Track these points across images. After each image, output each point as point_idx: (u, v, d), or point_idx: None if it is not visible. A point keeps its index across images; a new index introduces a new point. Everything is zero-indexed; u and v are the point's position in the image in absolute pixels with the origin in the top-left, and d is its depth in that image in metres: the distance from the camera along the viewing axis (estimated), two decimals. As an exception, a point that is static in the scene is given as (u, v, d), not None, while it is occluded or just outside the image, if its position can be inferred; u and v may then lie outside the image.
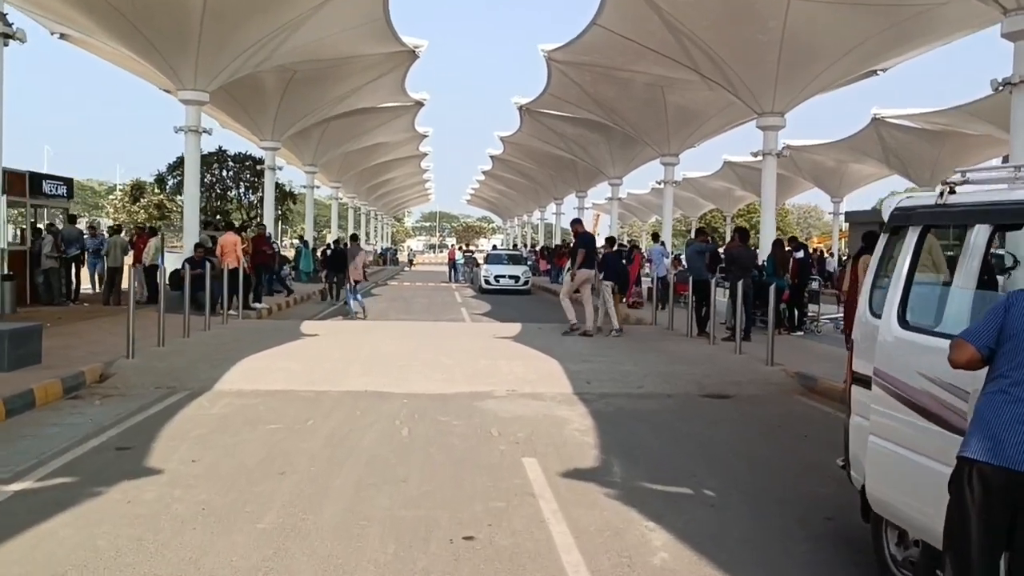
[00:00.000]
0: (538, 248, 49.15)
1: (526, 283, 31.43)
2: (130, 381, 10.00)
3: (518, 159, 47.04)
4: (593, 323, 15.56)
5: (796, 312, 16.68)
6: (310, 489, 5.93)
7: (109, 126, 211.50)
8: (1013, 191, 3.79)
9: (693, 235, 27.64)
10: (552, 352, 12.76)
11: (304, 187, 36.15)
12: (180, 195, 26.35)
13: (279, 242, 64.90)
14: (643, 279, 23.51)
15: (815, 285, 17.89)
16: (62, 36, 21.48)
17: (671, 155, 27.63)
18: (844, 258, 39.45)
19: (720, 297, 15.78)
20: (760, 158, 20.58)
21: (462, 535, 5.02)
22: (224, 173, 31.39)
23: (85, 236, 21.50)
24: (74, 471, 6.29)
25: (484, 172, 61.60)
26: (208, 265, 15.74)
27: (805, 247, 18.88)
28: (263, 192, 28.73)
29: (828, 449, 7.55)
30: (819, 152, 37.65)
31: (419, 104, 32.17)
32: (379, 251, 65.46)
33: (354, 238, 23.07)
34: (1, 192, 14.35)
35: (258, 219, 29.31)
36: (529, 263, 36.93)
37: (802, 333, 16.36)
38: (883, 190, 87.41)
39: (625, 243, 40.62)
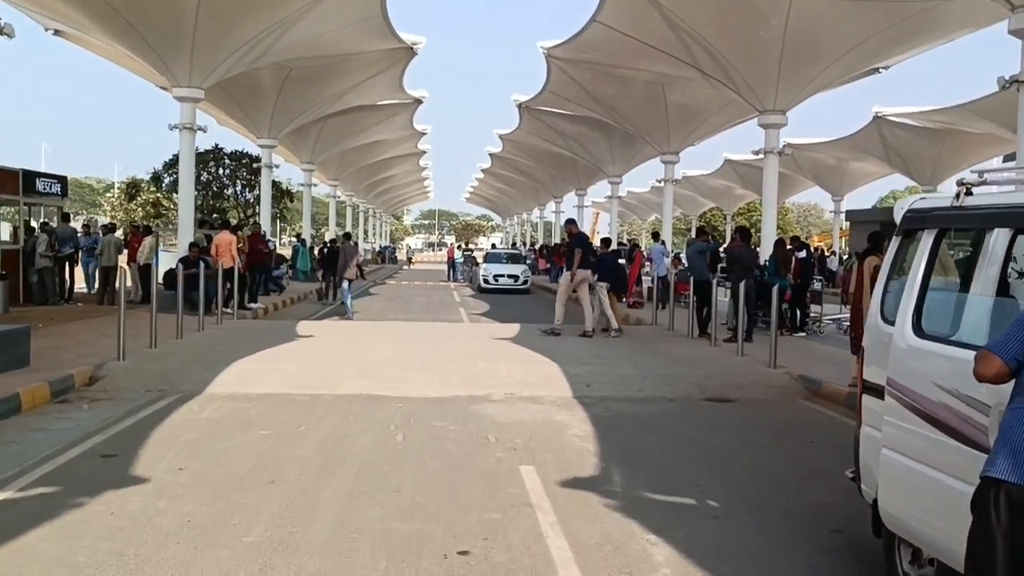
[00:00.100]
0: (537, 247, 48.95)
1: (525, 282, 31.24)
2: (120, 384, 9.81)
3: (517, 157, 46.84)
4: (593, 324, 15.37)
5: (798, 313, 16.48)
6: (300, 499, 5.73)
7: (108, 124, 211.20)
8: (1035, 192, 3.60)
9: (694, 234, 27.46)
10: (551, 354, 12.56)
11: (302, 185, 35.95)
12: (176, 193, 26.16)
13: (277, 240, 64.88)
14: (643, 278, 23.30)
15: (817, 285, 17.70)
16: (56, 32, 21.27)
17: (671, 153, 27.44)
18: (845, 257, 39.33)
19: (721, 297, 15.59)
20: (761, 156, 20.38)
21: (456, 550, 4.83)
22: (220, 171, 31.16)
23: (79, 235, 21.30)
24: (56, 480, 6.10)
25: (483, 170, 61.40)
26: (202, 264, 15.52)
27: (807, 246, 18.70)
28: (260, 190, 28.50)
29: (833, 455, 7.38)
30: (820, 150, 37.47)
31: (417, 101, 31.96)
32: (377, 249, 65.25)
33: (347, 236, 22.91)
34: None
35: (255, 217, 29.09)
36: (528, 262, 36.74)
37: (804, 334, 16.18)
38: (884, 189, 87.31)
39: (625, 242, 40.50)
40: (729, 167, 46.49)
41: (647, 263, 24.50)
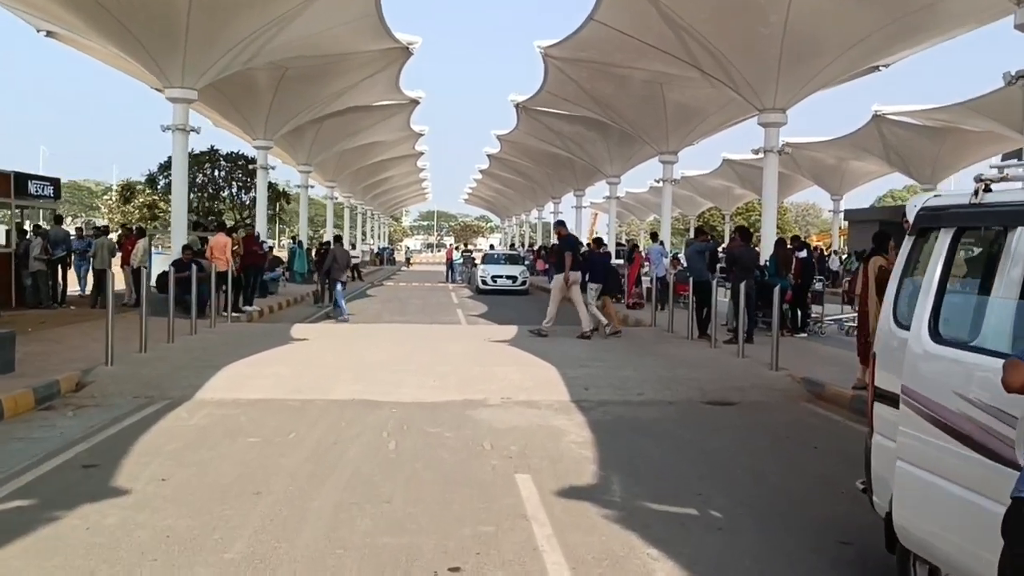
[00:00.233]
0: (536, 247, 48.72)
1: (523, 283, 31.04)
2: (107, 390, 9.57)
3: (515, 158, 46.61)
4: (592, 324, 15.17)
5: (799, 313, 16.26)
6: (286, 512, 5.50)
7: (107, 126, 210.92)
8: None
9: (692, 234, 27.24)
10: (549, 357, 12.33)
11: (299, 187, 35.71)
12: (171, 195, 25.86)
13: (276, 242, 64.66)
14: (642, 279, 23.07)
15: (819, 285, 17.47)
16: (49, 34, 21.02)
17: (670, 153, 27.20)
18: (845, 257, 39.13)
19: (721, 298, 15.38)
20: (761, 155, 20.15)
21: (447, 566, 4.60)
22: (216, 173, 30.91)
23: (72, 237, 21.09)
24: (34, 492, 5.87)
25: (481, 171, 61.16)
26: (194, 267, 15.29)
27: (808, 246, 18.47)
28: (256, 192, 28.27)
29: (838, 461, 7.16)
30: (819, 150, 37.26)
31: (414, 102, 31.72)
32: (375, 251, 64.99)
33: (337, 239, 22.72)
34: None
35: (251, 219, 28.86)
36: (526, 263, 36.53)
37: (806, 335, 15.96)
38: (883, 188, 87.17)
39: (624, 242, 40.25)
40: (728, 167, 46.28)
41: (646, 264, 24.26)
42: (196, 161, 30.13)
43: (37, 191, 20.04)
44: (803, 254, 16.78)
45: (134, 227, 24.19)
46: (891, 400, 4.01)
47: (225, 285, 16.86)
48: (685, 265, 18.85)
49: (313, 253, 30.63)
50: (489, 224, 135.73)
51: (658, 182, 29.79)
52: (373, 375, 10.85)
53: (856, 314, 16.85)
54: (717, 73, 19.12)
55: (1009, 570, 2.75)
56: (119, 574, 4.42)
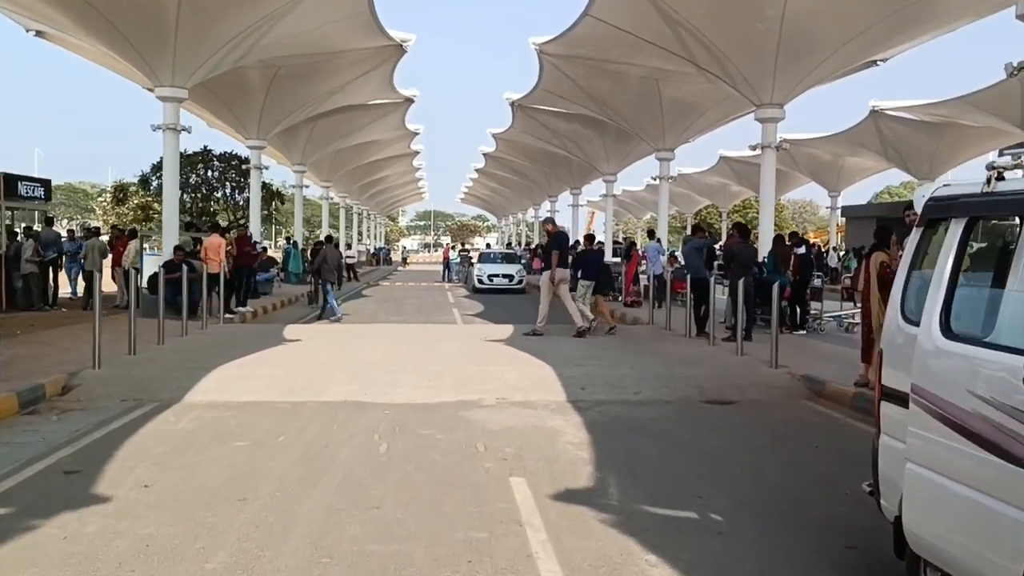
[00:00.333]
0: (532, 246, 48.52)
1: (520, 282, 30.87)
2: (94, 393, 9.38)
3: (511, 156, 46.38)
4: (585, 322, 15.02)
5: (798, 310, 16.09)
6: (272, 518, 5.32)
7: (101, 128, 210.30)
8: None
9: (690, 231, 27.06)
10: (544, 356, 12.15)
11: (293, 187, 35.49)
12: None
13: (272, 243, 64.39)
14: (640, 277, 22.88)
15: (817, 282, 17.30)
16: (38, 33, 20.79)
17: (666, 150, 27.02)
18: (843, 254, 38.97)
19: (719, 295, 15.22)
20: (758, 152, 19.95)
21: (438, 575, 4.42)
22: (209, 173, 30.67)
23: (63, 239, 20.89)
24: (12, 500, 5.68)
25: (477, 170, 60.90)
26: (186, 268, 15.10)
27: (807, 242, 18.29)
28: (249, 192, 28.05)
29: (840, 460, 7.00)
30: (816, 146, 37.10)
31: (409, 101, 31.50)
32: (372, 251, 64.77)
33: (328, 239, 22.55)
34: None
35: (245, 220, 28.64)
36: (523, 261, 36.36)
37: (805, 332, 15.79)
38: (879, 184, 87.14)
39: (621, 240, 40.09)
40: (724, 164, 46.10)
41: (643, 261, 24.07)
42: (189, 161, 29.87)
43: (27, 193, 19.84)
44: (802, 250, 16.59)
45: (126, 228, 23.97)
46: (899, 399, 3.84)
47: (217, 286, 16.66)
48: (682, 263, 18.69)
49: (308, 254, 30.44)
50: (486, 223, 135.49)
51: (655, 179, 29.61)
52: (366, 376, 10.68)
53: (856, 310, 16.82)
54: (714, 68, 18.94)
55: None
56: (95, 586, 4.24)
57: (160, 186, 27.71)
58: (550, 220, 17.71)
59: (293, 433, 7.70)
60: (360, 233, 66.38)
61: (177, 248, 17.12)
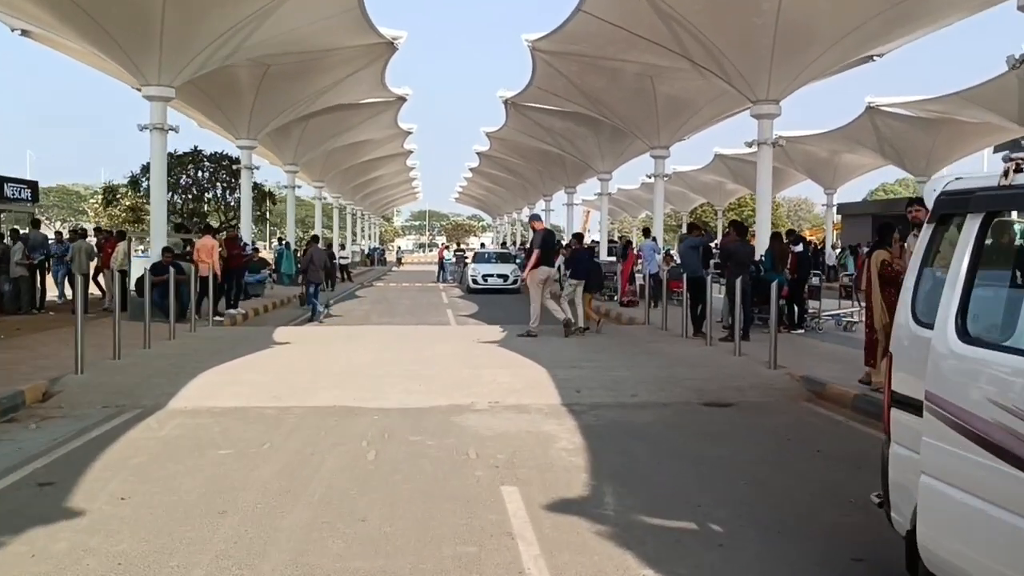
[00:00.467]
0: (527, 246, 48.19)
1: (515, 282, 30.61)
2: (76, 399, 9.13)
3: (505, 155, 46.09)
4: (582, 322, 14.85)
5: (796, 309, 15.88)
6: (252, 532, 5.08)
7: (94, 129, 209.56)
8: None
9: (685, 230, 26.83)
10: (539, 358, 11.93)
11: (285, 187, 35.19)
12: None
13: (266, 244, 64.00)
14: (636, 276, 22.67)
15: (816, 280, 17.09)
16: (24, 33, 20.49)
17: (661, 148, 26.78)
18: (839, 251, 38.79)
19: (715, 294, 15.00)
20: (754, 149, 19.75)
21: (424, 594, 4.19)
22: (200, 174, 30.36)
23: (51, 241, 20.61)
24: (-20, 515, 5.43)
25: (472, 169, 60.58)
26: (173, 270, 14.84)
27: (804, 240, 18.07)
28: (240, 193, 27.75)
29: (845, 465, 6.79)
30: (812, 143, 36.87)
31: (401, 99, 31.21)
32: (366, 251, 64.47)
33: (315, 239, 22.33)
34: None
35: (236, 221, 28.36)
36: (518, 261, 36.07)
37: (803, 331, 15.58)
38: (875, 181, 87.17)
39: (617, 239, 39.80)
40: (720, 162, 45.89)
41: (639, 260, 23.86)
42: (179, 162, 29.57)
43: (14, 194, 19.60)
44: (799, 248, 16.39)
45: (113, 230, 23.68)
46: (911, 406, 3.62)
47: (201, 287, 16.42)
48: (679, 261, 18.48)
49: (299, 254, 30.17)
50: (481, 223, 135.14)
51: (650, 177, 29.37)
52: (356, 380, 10.45)
53: (855, 309, 16.62)
54: (709, 64, 18.71)
55: None
56: (58, 610, 3.99)
57: (149, 187, 27.45)
58: (536, 217, 17.50)
59: (278, 440, 7.46)
60: (354, 233, 66.05)
61: (165, 250, 16.85)
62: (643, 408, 9.07)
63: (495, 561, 4.63)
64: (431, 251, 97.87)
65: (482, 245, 58.10)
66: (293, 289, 26.93)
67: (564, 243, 20.55)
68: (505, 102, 31.64)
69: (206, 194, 30.77)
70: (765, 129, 18.76)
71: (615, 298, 22.55)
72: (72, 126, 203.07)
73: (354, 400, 9.19)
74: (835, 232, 46.83)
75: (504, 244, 59.74)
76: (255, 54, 19.93)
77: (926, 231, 3.76)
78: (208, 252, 17.09)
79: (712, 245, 20.32)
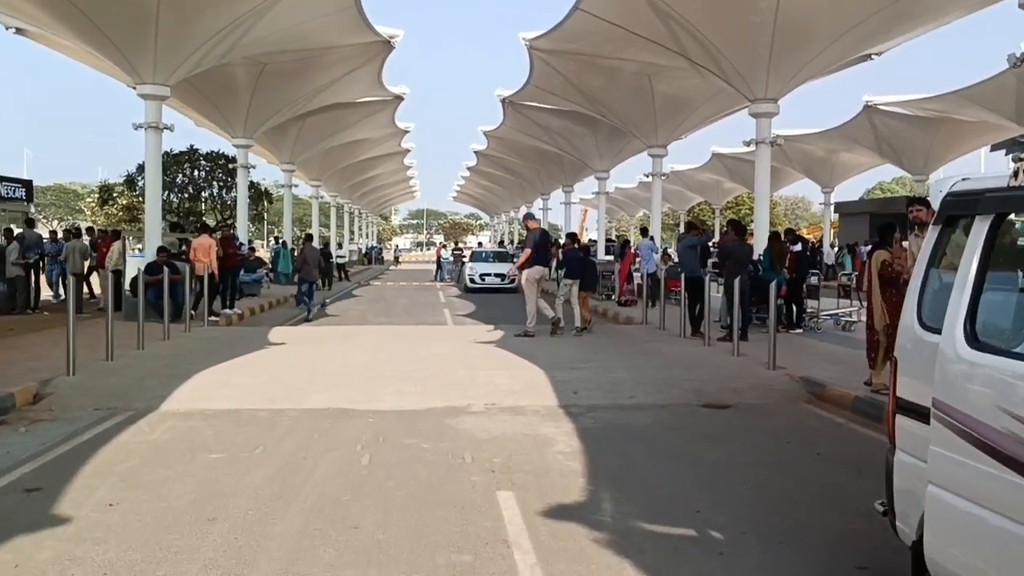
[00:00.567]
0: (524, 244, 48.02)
1: (512, 281, 30.49)
2: (67, 402, 9.01)
3: (503, 154, 45.96)
4: (559, 319, 14.85)
5: (795, 309, 15.78)
6: (242, 540, 4.97)
7: (93, 128, 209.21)
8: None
9: (683, 229, 26.75)
10: (536, 358, 11.83)
11: (282, 186, 35.06)
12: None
13: (263, 242, 63.79)
14: (634, 275, 22.58)
15: (814, 280, 17.00)
16: (18, 31, 20.34)
17: (659, 146, 26.67)
18: (837, 250, 38.72)
19: (713, 293, 14.90)
20: (752, 148, 19.66)
21: (416, 606, 4.08)
22: (196, 173, 30.22)
23: (45, 241, 20.49)
24: (-36, 522, 5.32)
25: (469, 168, 60.45)
26: (167, 270, 14.72)
27: (803, 239, 17.97)
28: (237, 192, 27.64)
29: (846, 469, 6.69)
30: (809, 142, 36.78)
31: (398, 98, 31.08)
32: (364, 250, 64.35)
33: (308, 238, 22.22)
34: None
35: (232, 220, 28.24)
36: (515, 260, 35.94)
37: (801, 331, 15.49)
38: (873, 180, 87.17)
39: (614, 238, 39.76)
40: (717, 161, 45.83)
41: (637, 260, 23.78)
42: (175, 161, 29.45)
43: (8, 193, 19.50)
44: (798, 248, 16.29)
45: (108, 229, 23.54)
46: (916, 413, 3.52)
47: (199, 286, 16.32)
48: (676, 261, 18.39)
49: (296, 253, 30.06)
50: (479, 222, 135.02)
51: (647, 176, 29.27)
52: (351, 381, 10.35)
53: (853, 308, 16.53)
54: (707, 63, 18.60)
55: None
56: (40, 623, 3.89)
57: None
58: (531, 216, 17.40)
59: (271, 444, 7.35)
60: (352, 232, 65.92)
61: (161, 249, 16.73)
62: (641, 410, 8.97)
63: (490, 570, 4.53)
64: (429, 250, 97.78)
65: (479, 244, 57.95)
66: (290, 288, 26.79)
67: (559, 243, 20.44)
68: (503, 101, 31.54)
69: (202, 193, 30.65)
70: (763, 128, 18.66)
71: (613, 297, 22.45)
72: (71, 125, 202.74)
73: (349, 402, 9.08)
74: (832, 231, 46.79)
75: (502, 243, 59.65)
76: (251, 52, 19.81)
77: (932, 233, 3.66)
78: (205, 251, 17.01)
79: (710, 244, 20.23)
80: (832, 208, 43.93)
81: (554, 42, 22.16)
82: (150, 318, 14.04)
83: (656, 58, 20.28)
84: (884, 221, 9.65)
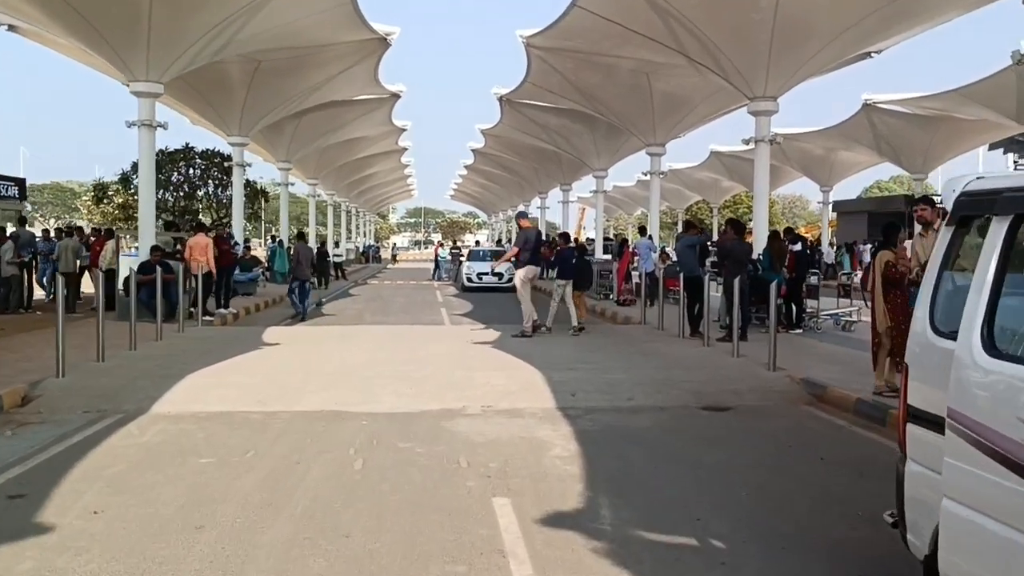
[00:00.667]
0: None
1: (510, 280, 30.24)
2: (56, 404, 8.85)
3: (500, 152, 45.80)
4: (531, 322, 14.78)
5: (794, 308, 15.64)
6: (230, 549, 4.82)
7: (93, 127, 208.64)
8: None
9: (681, 228, 26.60)
10: (533, 359, 11.68)
11: (278, 184, 34.88)
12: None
13: (260, 241, 63.59)
14: (632, 274, 22.44)
15: (814, 279, 16.85)
16: (11, 28, 20.17)
17: (657, 145, 26.53)
18: (836, 249, 38.61)
19: (712, 292, 14.76)
20: (751, 146, 19.52)
21: (408, 620, 3.94)
22: (191, 171, 30.01)
23: (38, 239, 20.30)
24: (-56, 531, 5.16)
25: (466, 166, 60.28)
26: (160, 269, 14.55)
27: (803, 239, 17.83)
28: (232, 190, 27.45)
29: (850, 474, 6.55)
30: (808, 140, 36.65)
31: (395, 96, 30.91)
32: (361, 248, 64.18)
33: (299, 236, 22.06)
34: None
35: (228, 218, 28.06)
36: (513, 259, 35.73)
37: (801, 331, 15.35)
38: (870, 179, 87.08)
39: (612, 237, 39.62)
40: (716, 159, 45.68)
41: (635, 259, 23.63)
42: (171, 159, 29.24)
43: (0, 192, 19.25)
44: (797, 247, 16.15)
45: (102, 228, 23.36)
46: (928, 421, 3.38)
47: (190, 286, 16.17)
48: (674, 260, 18.24)
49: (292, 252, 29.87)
50: (477, 220, 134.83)
51: (645, 175, 29.13)
52: (346, 382, 10.20)
53: (853, 308, 16.39)
54: (706, 60, 18.46)
55: None
56: (16, 640, 3.73)
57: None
58: (523, 215, 17.28)
59: (263, 447, 7.20)
60: (350, 231, 65.74)
61: (154, 248, 16.57)
62: (640, 412, 8.82)
63: (485, 582, 4.39)
64: (427, 248, 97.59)
65: (477, 243, 57.76)
66: (286, 287, 26.64)
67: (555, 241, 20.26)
68: (500, 99, 31.38)
69: (198, 192, 30.44)
70: (762, 126, 18.52)
71: (611, 297, 22.31)
72: (69, 124, 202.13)
73: (343, 404, 8.93)
74: (830, 230, 46.69)
75: (499, 242, 59.57)
76: (246, 49, 19.63)
77: (945, 233, 3.51)
78: (202, 250, 16.86)
79: (709, 243, 20.08)
80: (830, 207, 43.81)
81: (551, 39, 22.01)
82: (143, 318, 13.88)
83: (654, 55, 20.15)
84: (888, 220, 9.48)
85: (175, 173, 29.56)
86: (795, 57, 17.40)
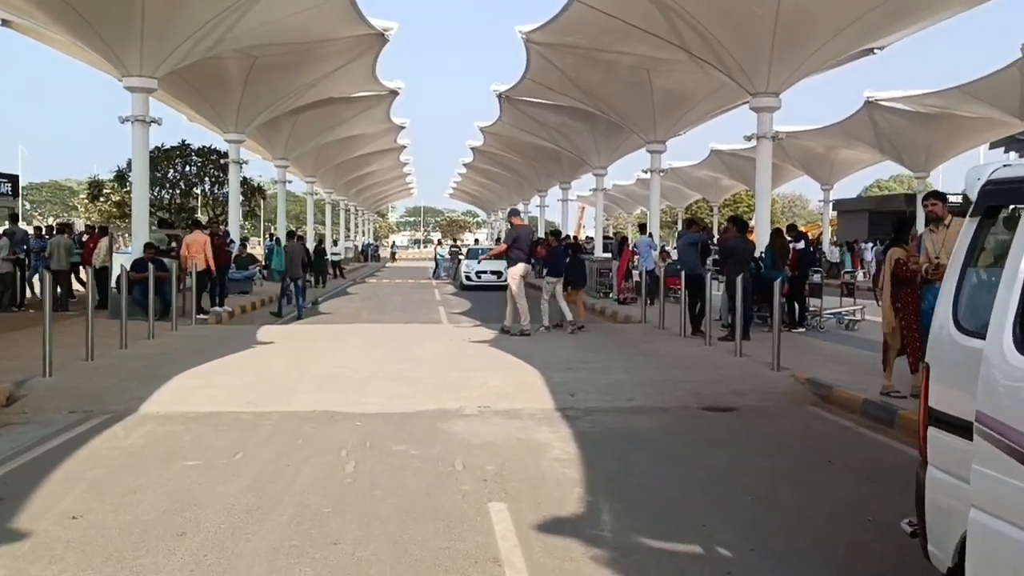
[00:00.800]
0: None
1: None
2: (41, 404, 8.63)
3: (499, 150, 45.54)
4: (513, 322, 14.75)
5: (797, 307, 15.41)
6: (212, 558, 4.59)
7: (92, 126, 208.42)
8: None
9: (681, 226, 26.38)
10: (532, 359, 11.45)
11: (276, 182, 34.64)
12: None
13: (259, 239, 63.37)
14: (632, 272, 22.21)
15: (817, 277, 16.63)
16: (4, 23, 19.93)
17: (657, 142, 26.27)
18: (837, 247, 38.40)
19: (713, 291, 14.54)
20: (752, 144, 19.27)
21: (397, 636, 3.71)
22: (187, 168, 29.79)
23: (31, 237, 20.08)
24: (-86, 538, 4.93)
25: (465, 165, 60.02)
26: (153, 267, 14.32)
27: (806, 236, 17.59)
28: (228, 188, 27.22)
29: (859, 478, 6.33)
30: (809, 138, 36.39)
31: (393, 93, 30.65)
32: (360, 247, 63.95)
33: (291, 235, 21.84)
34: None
35: (224, 216, 27.83)
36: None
37: (804, 330, 15.12)
38: (871, 177, 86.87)
39: (612, 235, 39.41)
40: (716, 157, 45.42)
41: (635, 257, 23.40)
42: (167, 156, 29.02)
43: (-7, 189, 19.04)
44: (800, 245, 15.92)
45: (96, 225, 23.14)
46: (953, 426, 3.15)
47: (183, 285, 15.95)
48: (675, 258, 18.02)
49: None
50: (476, 219, 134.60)
51: (645, 173, 28.90)
52: (340, 382, 9.98)
53: (857, 307, 16.17)
54: (707, 56, 18.21)
55: None
56: (-22, 657, 3.51)
57: (134, 182, 26.88)
58: (515, 212, 17.07)
59: (251, 449, 6.98)
60: (349, 229, 65.50)
61: (148, 246, 16.34)
62: (641, 413, 8.60)
63: (479, 593, 4.16)
64: (426, 247, 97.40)
65: (476, 241, 57.55)
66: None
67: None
68: (499, 96, 31.13)
69: (194, 189, 30.22)
70: (764, 122, 18.29)
71: (611, 295, 22.10)
72: (68, 122, 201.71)
73: (336, 404, 8.71)
74: (831, 228, 46.49)
75: (498, 240, 59.26)
76: (241, 44, 19.39)
77: (969, 225, 3.29)
78: (199, 248, 16.64)
79: (710, 242, 19.86)
80: (831, 206, 43.58)
81: (551, 35, 21.76)
82: (136, 316, 13.67)
83: (655, 51, 19.90)
84: (900, 216, 9.24)
85: (171, 170, 29.31)
86: (798, 52, 17.15)
